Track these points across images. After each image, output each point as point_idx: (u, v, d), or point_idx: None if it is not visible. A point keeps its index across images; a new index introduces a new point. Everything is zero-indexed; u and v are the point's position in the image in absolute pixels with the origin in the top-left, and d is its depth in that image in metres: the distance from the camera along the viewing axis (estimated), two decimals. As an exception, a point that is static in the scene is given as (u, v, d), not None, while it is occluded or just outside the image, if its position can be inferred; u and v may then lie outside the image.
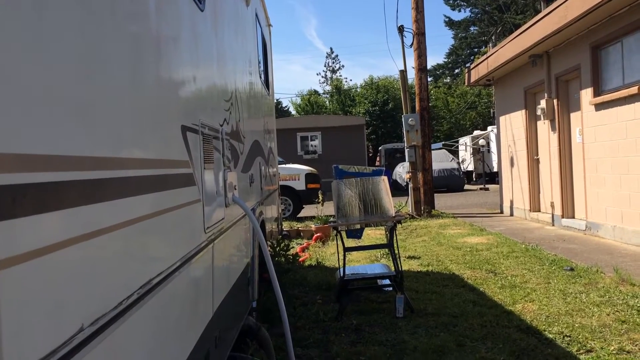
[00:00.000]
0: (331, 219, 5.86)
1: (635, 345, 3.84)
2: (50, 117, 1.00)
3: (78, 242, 1.07)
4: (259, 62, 5.26)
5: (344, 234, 5.40)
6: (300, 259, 7.51)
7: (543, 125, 10.52)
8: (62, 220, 1.01)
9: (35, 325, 0.92)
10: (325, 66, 68.05)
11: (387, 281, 5.29)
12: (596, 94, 8.39)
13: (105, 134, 1.26)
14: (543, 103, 10.07)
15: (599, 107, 8.30)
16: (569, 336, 4.10)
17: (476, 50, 45.79)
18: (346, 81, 50.28)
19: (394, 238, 5.24)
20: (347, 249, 5.25)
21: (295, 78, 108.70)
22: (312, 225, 10.46)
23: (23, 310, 0.88)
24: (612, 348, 3.81)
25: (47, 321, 0.95)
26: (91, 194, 1.14)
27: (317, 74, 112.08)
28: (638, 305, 4.66)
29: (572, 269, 6.18)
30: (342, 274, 5.07)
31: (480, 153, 26.79)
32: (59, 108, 1.04)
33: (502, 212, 13.07)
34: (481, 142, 26.75)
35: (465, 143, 29.91)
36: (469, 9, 46.65)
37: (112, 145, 1.29)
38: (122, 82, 1.40)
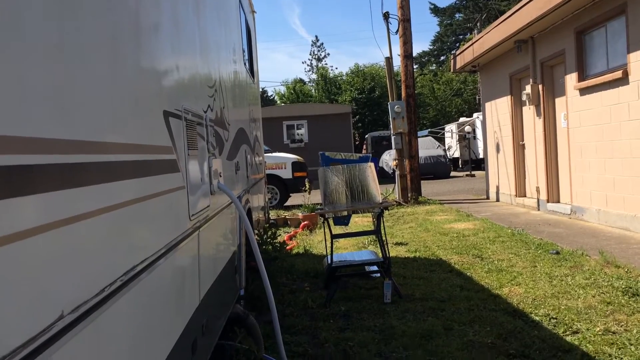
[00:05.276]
0: (318, 207, 5.85)
1: (621, 326, 3.89)
2: (26, 100, 0.97)
3: (57, 227, 1.04)
4: (243, 50, 5.20)
5: (331, 221, 5.38)
6: (287, 247, 7.50)
7: (528, 111, 10.57)
8: (38, 205, 0.98)
9: (11, 312, 0.89)
10: (310, 54, 67.75)
11: (375, 267, 5.30)
12: (581, 78, 8.44)
13: (84, 118, 1.22)
14: (528, 88, 10.11)
15: (583, 91, 8.34)
16: (555, 318, 4.14)
17: (461, 37, 45.80)
18: (332, 69, 50.17)
19: (381, 224, 5.24)
20: (334, 236, 5.25)
21: (280, 67, 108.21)
22: (299, 214, 10.45)
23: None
24: (598, 329, 3.85)
25: (23, 308, 0.92)
26: (70, 178, 1.11)
27: (303, 63, 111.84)
28: (623, 286, 4.71)
29: (557, 253, 6.23)
30: (329, 261, 5.07)
31: (466, 140, 26.92)
32: (36, 91, 1.00)
33: (488, 197, 13.15)
34: (467, 128, 26.89)
35: (451, 130, 30.03)
36: (454, -5, 46.54)
37: (91, 129, 1.26)
38: (102, 65, 1.36)
